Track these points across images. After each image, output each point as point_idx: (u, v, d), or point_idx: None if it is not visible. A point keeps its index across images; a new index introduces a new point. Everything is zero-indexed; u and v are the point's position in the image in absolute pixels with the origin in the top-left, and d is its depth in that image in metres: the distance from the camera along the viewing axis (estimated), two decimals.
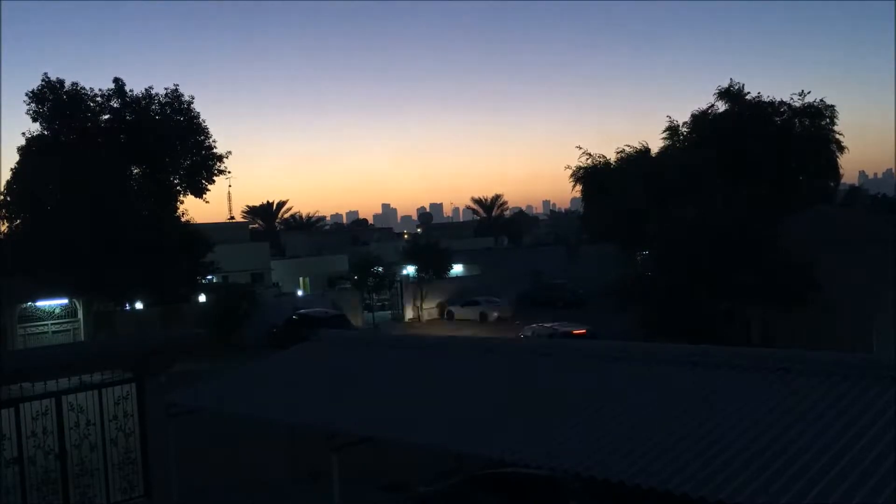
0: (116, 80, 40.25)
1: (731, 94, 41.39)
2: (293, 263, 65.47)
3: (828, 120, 41.11)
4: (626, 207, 37.56)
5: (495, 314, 47.11)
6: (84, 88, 39.61)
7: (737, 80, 42.30)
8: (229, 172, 43.03)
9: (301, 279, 61.12)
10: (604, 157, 45.06)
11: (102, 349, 17.85)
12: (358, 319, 45.91)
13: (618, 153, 44.27)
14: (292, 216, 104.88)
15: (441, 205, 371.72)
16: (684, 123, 42.84)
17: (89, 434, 14.48)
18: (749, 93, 41.59)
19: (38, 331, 37.46)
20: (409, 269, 53.25)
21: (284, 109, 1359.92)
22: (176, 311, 39.60)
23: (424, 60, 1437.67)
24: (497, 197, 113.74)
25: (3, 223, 40.49)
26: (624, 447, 8.70)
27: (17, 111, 51.79)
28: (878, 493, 6.97)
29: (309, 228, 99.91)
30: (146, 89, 40.64)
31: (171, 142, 40.73)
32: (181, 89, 41.19)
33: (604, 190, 41.73)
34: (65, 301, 38.27)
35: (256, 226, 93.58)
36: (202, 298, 42.77)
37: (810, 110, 40.90)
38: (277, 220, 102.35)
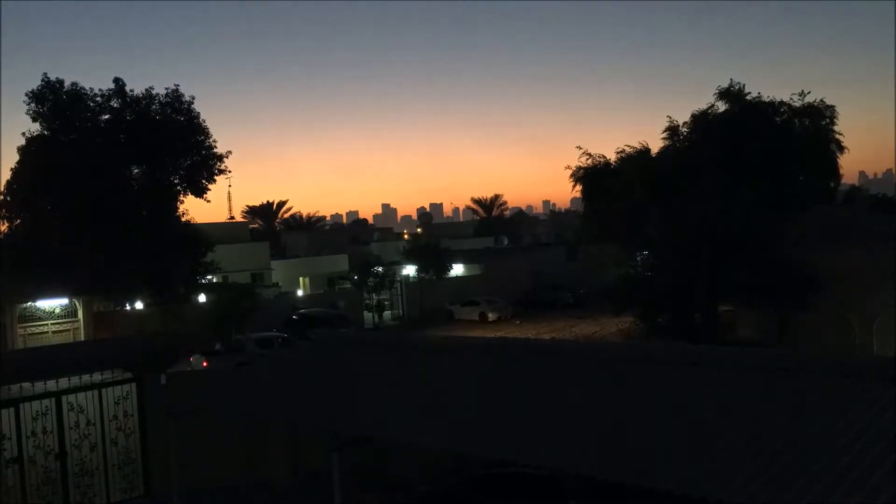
0: (117, 80, 40.21)
1: (731, 94, 41.29)
2: (293, 263, 65.46)
3: (828, 120, 41.00)
4: (626, 207, 37.49)
5: (495, 314, 47.13)
6: (84, 88, 39.59)
7: (737, 80, 42.25)
8: (229, 172, 43.04)
9: (301, 279, 61.11)
10: (604, 157, 44.90)
11: (102, 349, 17.87)
12: (358, 320, 45.94)
13: (618, 153, 44.11)
14: (292, 216, 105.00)
15: (441, 205, 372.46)
16: (684, 123, 42.76)
17: (89, 434, 14.50)
18: (749, 93, 41.50)
19: (38, 331, 37.45)
20: (410, 269, 53.28)
21: (285, 109, 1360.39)
22: (176, 311, 39.59)
23: (425, 60, 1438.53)
24: (497, 197, 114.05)
25: (3, 223, 40.52)
26: (624, 447, 8.71)
27: (17, 111, 51.56)
28: (878, 493, 6.96)
29: (309, 228, 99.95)
30: (147, 89, 40.62)
31: (172, 142, 40.70)
32: (181, 89, 41.28)
33: (604, 190, 41.61)
34: (65, 301, 38.26)
35: (256, 226, 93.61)
36: (202, 298, 42.76)
37: (810, 110, 40.80)
38: (277, 220, 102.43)
